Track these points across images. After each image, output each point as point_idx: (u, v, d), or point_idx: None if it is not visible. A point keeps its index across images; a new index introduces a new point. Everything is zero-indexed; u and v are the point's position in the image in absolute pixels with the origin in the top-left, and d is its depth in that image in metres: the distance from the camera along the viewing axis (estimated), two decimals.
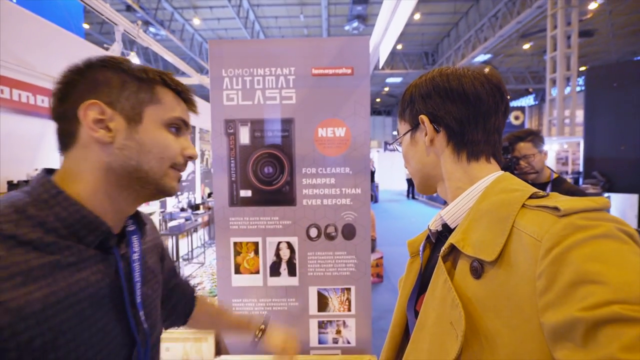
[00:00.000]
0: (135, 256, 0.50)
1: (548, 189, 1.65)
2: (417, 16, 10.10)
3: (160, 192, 0.50)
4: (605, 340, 0.27)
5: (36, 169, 2.60)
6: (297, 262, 1.55)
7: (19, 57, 2.49)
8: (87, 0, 1.65)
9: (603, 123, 4.85)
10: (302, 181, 1.50)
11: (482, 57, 11.84)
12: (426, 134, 0.52)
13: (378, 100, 20.32)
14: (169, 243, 4.43)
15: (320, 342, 1.59)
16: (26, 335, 0.35)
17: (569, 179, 6.17)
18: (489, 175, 0.49)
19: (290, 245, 1.55)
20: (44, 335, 0.36)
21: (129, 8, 8.19)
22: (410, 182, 13.30)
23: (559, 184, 1.66)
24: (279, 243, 1.54)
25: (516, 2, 8.94)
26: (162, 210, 4.30)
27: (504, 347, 0.34)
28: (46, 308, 0.37)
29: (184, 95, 0.52)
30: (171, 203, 4.74)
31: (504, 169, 1.83)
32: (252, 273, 1.56)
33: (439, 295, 0.43)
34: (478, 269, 0.39)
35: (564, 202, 0.35)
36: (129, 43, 9.80)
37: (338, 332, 1.58)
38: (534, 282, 0.33)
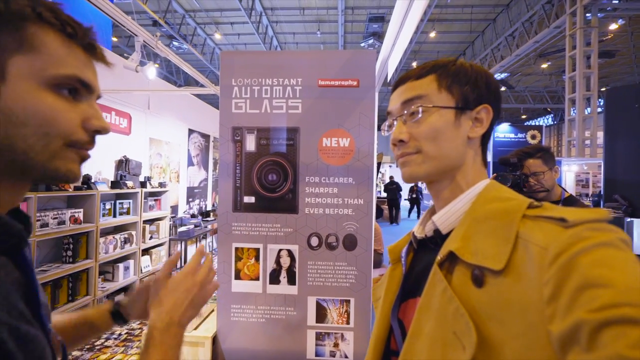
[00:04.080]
0: (28, 259, 0.37)
1: None
2: (432, 34, 10.20)
3: (52, 178, 0.36)
4: (611, 340, 0.27)
5: None
6: (297, 270, 1.54)
7: None
8: (110, 12, 1.76)
9: (624, 145, 4.68)
10: (305, 190, 1.52)
11: (498, 76, 11.79)
12: (475, 125, 0.49)
13: None
14: (178, 248, 4.49)
15: (317, 354, 1.56)
16: None
17: (588, 201, 5.94)
18: (481, 181, 0.48)
19: (290, 253, 1.55)
20: None
21: (155, 23, 8.64)
22: (413, 201, 10.78)
23: (570, 204, 1.60)
24: (280, 250, 1.55)
25: (533, 22, 8.93)
26: (172, 215, 4.39)
27: (510, 356, 0.34)
28: None
29: (82, 38, 0.35)
30: (182, 209, 4.84)
31: (512, 186, 1.78)
32: (252, 279, 1.56)
33: (437, 303, 0.41)
34: (479, 278, 0.39)
35: (569, 212, 0.36)
36: (153, 56, 10.30)
37: (336, 345, 1.55)
38: (541, 289, 0.33)
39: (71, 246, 2.69)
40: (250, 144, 1.50)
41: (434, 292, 0.42)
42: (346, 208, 1.51)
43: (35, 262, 2.33)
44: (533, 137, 10.95)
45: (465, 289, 0.40)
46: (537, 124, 17.96)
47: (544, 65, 11.83)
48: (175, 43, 9.71)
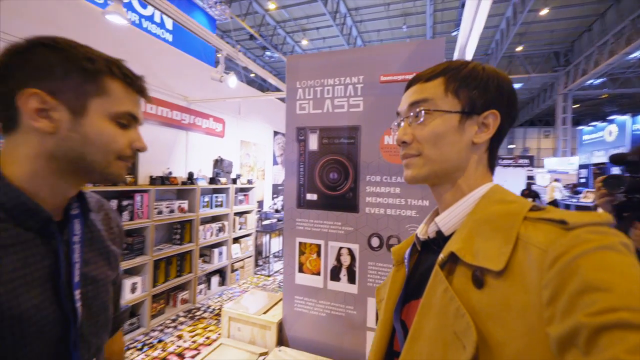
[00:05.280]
0: (76, 239, 0.50)
1: None
2: (544, 12, 8.67)
3: (106, 179, 0.51)
4: (609, 344, 0.27)
5: (168, 168, 3.32)
6: (357, 269, 1.54)
7: (163, 81, 3.25)
8: (195, 30, 2.07)
9: None
10: (366, 189, 1.49)
11: None
12: (482, 131, 0.47)
13: None
14: (263, 240, 4.95)
15: None
16: None
17: None
18: (484, 184, 0.48)
19: (351, 252, 1.55)
20: None
21: (251, 37, 9.69)
22: None
23: None
24: (340, 248, 1.56)
25: None
26: (259, 209, 4.85)
27: (511, 356, 0.34)
28: None
29: (135, 85, 0.50)
30: (267, 204, 5.30)
31: (629, 190, 1.42)
32: (313, 274, 1.62)
33: (438, 304, 0.42)
34: (480, 279, 0.39)
35: (570, 215, 0.36)
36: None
37: None
38: (540, 291, 0.33)
39: (179, 231, 3.24)
40: (313, 143, 1.56)
41: (435, 293, 0.43)
42: (409, 209, 1.43)
43: (154, 241, 2.89)
44: None
45: (465, 290, 0.40)
46: None
47: None
48: (267, 53, 10.68)
